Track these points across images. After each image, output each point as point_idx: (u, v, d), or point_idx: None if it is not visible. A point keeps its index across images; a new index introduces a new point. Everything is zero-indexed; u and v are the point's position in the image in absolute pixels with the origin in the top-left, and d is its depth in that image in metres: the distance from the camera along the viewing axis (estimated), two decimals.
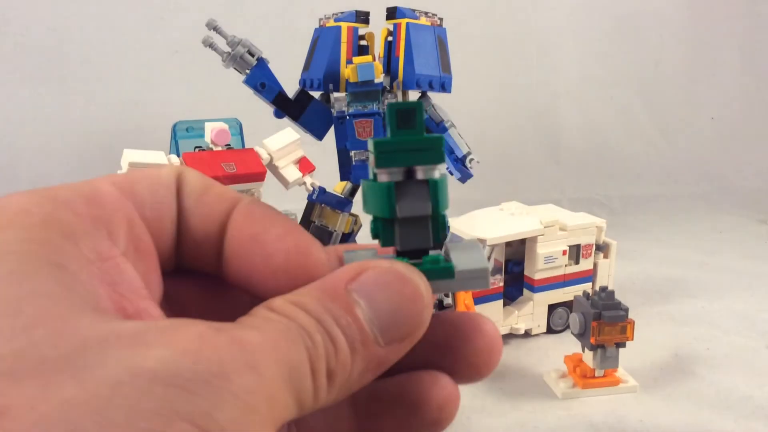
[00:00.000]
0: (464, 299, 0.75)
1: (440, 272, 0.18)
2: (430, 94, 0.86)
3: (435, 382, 0.19)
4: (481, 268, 0.18)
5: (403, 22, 0.82)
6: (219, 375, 0.13)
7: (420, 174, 0.18)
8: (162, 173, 0.20)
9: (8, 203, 0.15)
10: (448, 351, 0.19)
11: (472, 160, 0.87)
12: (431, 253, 0.19)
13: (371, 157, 0.18)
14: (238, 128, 1.01)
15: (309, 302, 0.16)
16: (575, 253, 0.90)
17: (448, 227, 0.19)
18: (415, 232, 0.19)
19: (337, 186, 0.91)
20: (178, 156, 0.82)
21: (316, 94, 0.89)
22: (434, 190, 0.18)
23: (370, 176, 0.19)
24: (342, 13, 0.86)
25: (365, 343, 0.16)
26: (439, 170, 0.18)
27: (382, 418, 0.19)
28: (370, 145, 0.18)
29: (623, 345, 0.73)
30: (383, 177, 0.18)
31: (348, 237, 0.88)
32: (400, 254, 0.19)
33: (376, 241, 0.20)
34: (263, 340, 0.14)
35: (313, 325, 0.15)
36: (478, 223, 0.88)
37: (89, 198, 0.17)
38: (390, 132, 0.18)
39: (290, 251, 0.19)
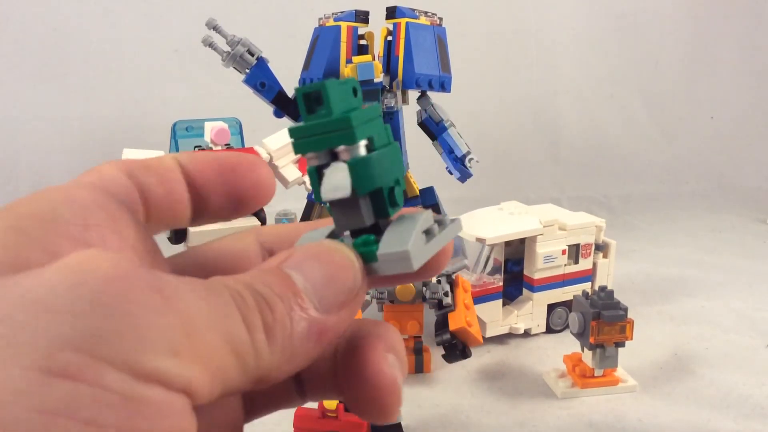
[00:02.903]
0: (464, 299, 0.74)
1: (363, 256, 0.18)
2: (429, 93, 0.86)
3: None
4: (402, 251, 0.17)
5: (403, 21, 0.82)
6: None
7: (341, 156, 0.18)
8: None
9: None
10: (353, 395, 0.19)
11: (471, 159, 0.87)
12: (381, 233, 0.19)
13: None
14: (237, 127, 1.01)
15: (245, 277, 0.16)
16: (574, 252, 0.90)
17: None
18: (347, 213, 0.19)
19: None
20: None
21: None
22: (354, 171, 0.18)
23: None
24: (342, 12, 0.86)
25: (302, 305, 0.16)
26: (363, 150, 0.18)
27: None
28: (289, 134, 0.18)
29: (622, 344, 0.73)
30: (312, 162, 0.18)
31: None
32: (352, 234, 0.19)
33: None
34: (189, 290, 0.14)
35: (246, 291, 0.15)
36: (477, 223, 0.88)
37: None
38: (302, 118, 0.18)
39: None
